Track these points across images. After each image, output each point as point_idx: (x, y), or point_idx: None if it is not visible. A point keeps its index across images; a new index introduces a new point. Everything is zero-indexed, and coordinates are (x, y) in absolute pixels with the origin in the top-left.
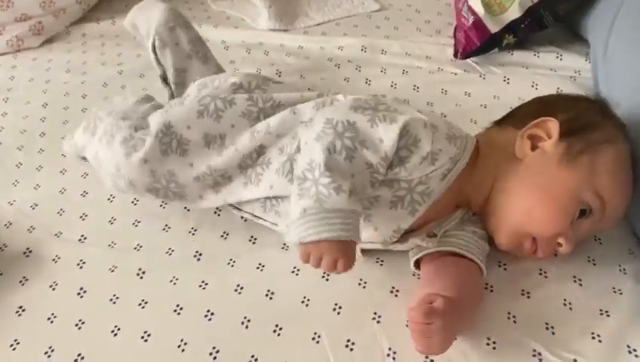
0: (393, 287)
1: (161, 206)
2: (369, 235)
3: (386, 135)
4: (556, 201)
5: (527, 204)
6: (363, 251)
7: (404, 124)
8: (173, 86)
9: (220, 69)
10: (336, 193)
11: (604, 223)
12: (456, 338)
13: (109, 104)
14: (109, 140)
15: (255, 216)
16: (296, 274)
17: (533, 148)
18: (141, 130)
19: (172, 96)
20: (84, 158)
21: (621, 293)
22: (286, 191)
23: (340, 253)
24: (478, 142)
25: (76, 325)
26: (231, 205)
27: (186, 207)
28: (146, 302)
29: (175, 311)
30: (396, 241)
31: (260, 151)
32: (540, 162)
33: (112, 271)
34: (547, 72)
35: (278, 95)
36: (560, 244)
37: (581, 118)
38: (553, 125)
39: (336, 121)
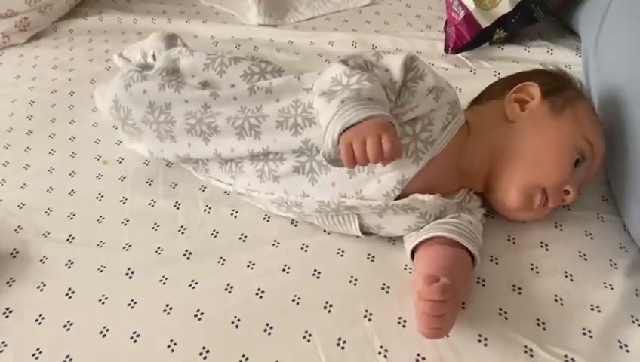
0: (384, 284)
1: (150, 204)
2: (372, 189)
3: (392, 62)
4: (559, 149)
5: (535, 156)
6: (364, 233)
7: (410, 55)
8: None
9: None
10: (370, 82)
11: (592, 169)
12: (448, 336)
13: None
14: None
15: (250, 190)
16: (287, 273)
17: (522, 110)
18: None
19: None
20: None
21: (612, 288)
22: (289, 146)
23: (382, 128)
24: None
25: (64, 326)
26: (219, 180)
27: (175, 206)
28: (135, 302)
29: (164, 310)
30: (397, 199)
31: (260, 107)
32: (532, 119)
33: (101, 271)
34: (538, 66)
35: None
36: (567, 192)
37: (551, 82)
38: (534, 88)
39: (347, 55)
